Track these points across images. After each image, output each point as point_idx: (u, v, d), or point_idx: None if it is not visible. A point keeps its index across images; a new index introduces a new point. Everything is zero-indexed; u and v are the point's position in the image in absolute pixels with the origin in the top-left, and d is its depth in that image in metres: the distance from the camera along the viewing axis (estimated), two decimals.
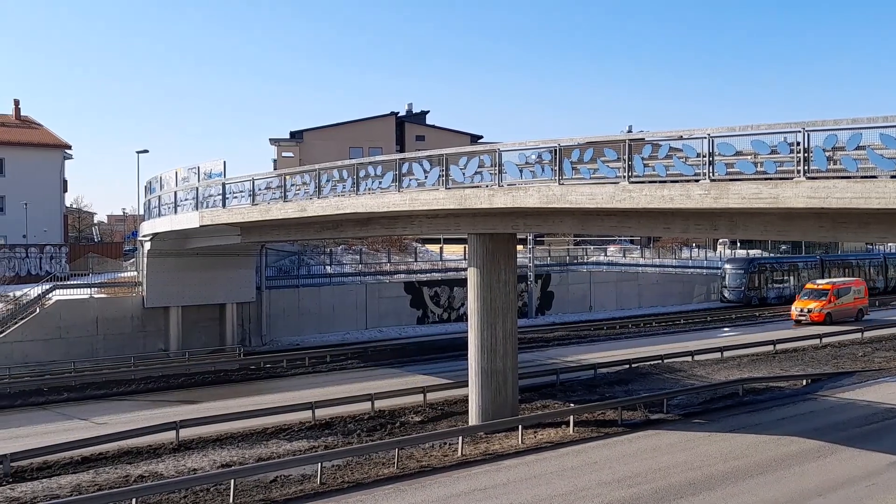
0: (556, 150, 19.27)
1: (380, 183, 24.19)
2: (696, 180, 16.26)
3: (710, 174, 16.01)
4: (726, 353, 37.76)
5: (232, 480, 18.12)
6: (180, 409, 27.16)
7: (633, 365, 34.44)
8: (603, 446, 22.52)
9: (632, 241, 78.41)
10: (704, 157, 16.12)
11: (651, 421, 25.35)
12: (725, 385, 29.82)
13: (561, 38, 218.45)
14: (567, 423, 24.19)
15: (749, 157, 15.56)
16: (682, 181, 16.59)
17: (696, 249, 76.39)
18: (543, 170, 19.63)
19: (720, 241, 77.06)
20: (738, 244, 79.01)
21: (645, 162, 17.36)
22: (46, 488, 18.63)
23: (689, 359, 36.35)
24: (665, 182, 16.90)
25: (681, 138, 16.85)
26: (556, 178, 19.13)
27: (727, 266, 65.21)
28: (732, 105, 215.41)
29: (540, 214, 21.86)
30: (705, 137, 16.13)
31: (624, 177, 17.63)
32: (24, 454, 20.28)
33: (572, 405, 25.85)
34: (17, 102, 68.15)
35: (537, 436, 23.45)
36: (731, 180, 15.73)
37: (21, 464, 20.09)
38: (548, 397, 28.77)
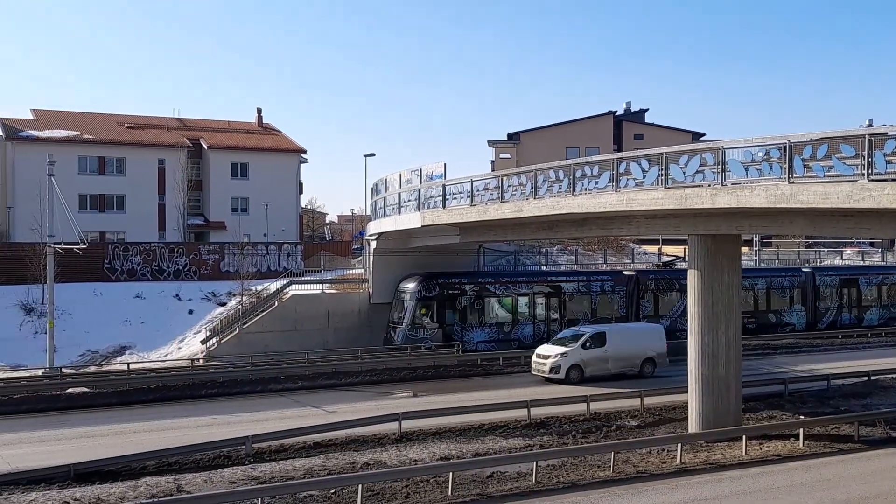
0: (785, 147, 18.21)
1: (596, 183, 23.98)
2: None
3: None
4: None
5: (450, 473, 18.67)
6: (402, 402, 28.34)
7: (872, 377, 31.82)
8: (837, 463, 21.03)
9: (871, 244, 72.31)
10: None
11: (893, 439, 23.34)
12: None
13: (791, 32, 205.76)
14: (796, 436, 22.81)
15: None
16: None
17: None
18: (771, 168, 18.62)
19: None
20: None
21: (888, 158, 16.00)
22: (282, 469, 20.09)
23: None
24: None
25: None
26: (786, 176, 18.08)
27: None
28: None
29: (767, 215, 20.75)
30: None
31: (862, 174, 16.34)
32: (264, 437, 21.99)
33: (802, 417, 24.33)
34: (259, 111, 74.03)
35: (762, 448, 22.29)
36: None
37: (261, 445, 21.80)
38: (774, 408, 27.24)
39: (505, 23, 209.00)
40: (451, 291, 39.03)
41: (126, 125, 65.80)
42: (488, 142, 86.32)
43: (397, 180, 37.46)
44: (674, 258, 51.35)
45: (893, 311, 50.57)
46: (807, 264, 55.75)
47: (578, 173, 24.76)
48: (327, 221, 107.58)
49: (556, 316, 41.00)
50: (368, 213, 48.52)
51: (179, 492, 17.96)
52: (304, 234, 75.18)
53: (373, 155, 53.83)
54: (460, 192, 31.09)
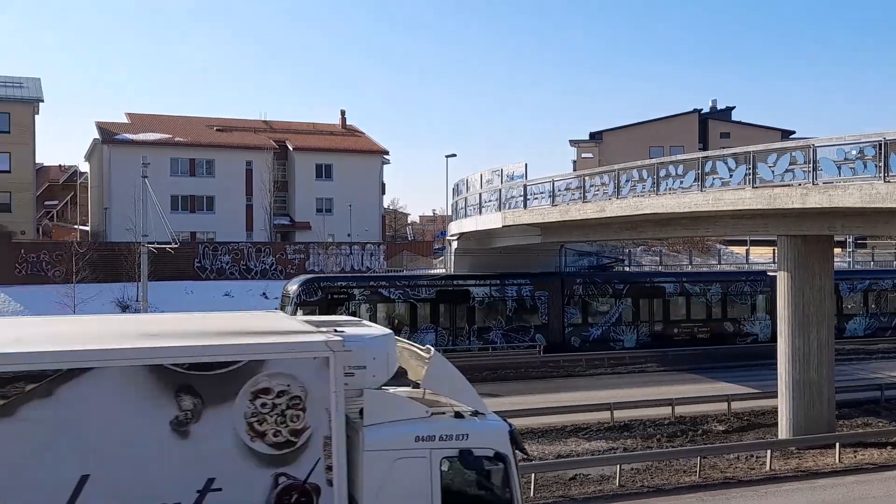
0: (881, 144, 17.58)
1: (681, 182, 23.58)
2: None
3: None
4: None
5: (533, 474, 18.62)
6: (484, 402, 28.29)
7: None
8: None
9: None
10: None
11: None
12: None
13: (890, 24, 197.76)
14: (894, 445, 21.97)
15: None
16: None
17: None
18: (865, 166, 17.99)
19: None
20: None
21: None
22: None
23: None
24: None
25: None
26: (881, 174, 17.44)
27: None
28: None
29: (860, 215, 20.06)
30: None
31: None
32: None
33: None
34: (343, 113, 75.22)
35: (857, 455, 21.56)
36: None
37: None
38: (870, 414, 26.32)
39: (590, 20, 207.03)
40: (335, 296, 35.72)
41: (215, 128, 67.67)
42: (570, 141, 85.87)
43: (478, 180, 37.54)
44: (613, 260, 47.01)
45: None
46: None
47: (662, 172, 24.39)
48: (409, 222, 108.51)
49: (464, 324, 37.53)
50: (449, 213, 48.78)
51: None
52: (387, 235, 75.97)
53: (454, 155, 54.09)
54: (541, 193, 30.97)
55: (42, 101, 61.41)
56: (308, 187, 66.76)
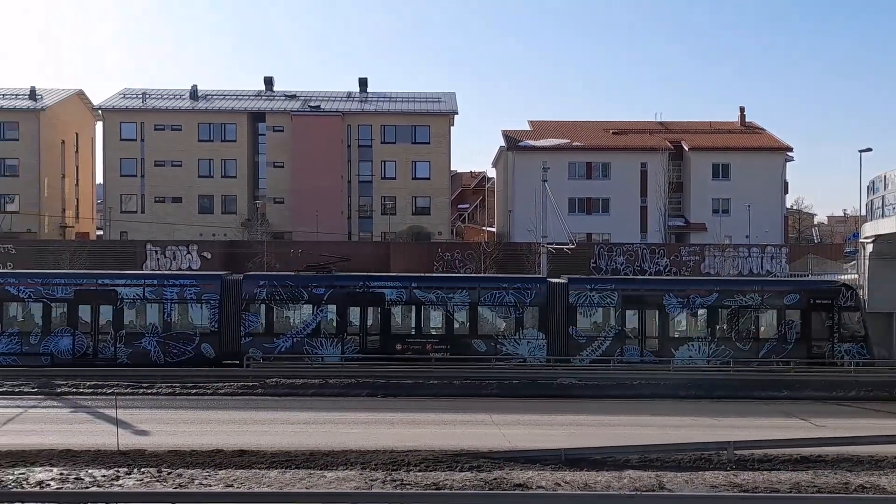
0: None
1: None
2: None
3: None
4: None
5: None
6: None
7: None
8: None
9: None
10: None
11: None
12: None
13: None
14: None
15: None
16: None
17: None
18: None
19: None
20: None
21: None
22: (766, 480, 19.31)
23: None
24: None
25: None
26: None
27: None
28: None
29: None
30: None
31: None
32: (746, 444, 21.41)
33: None
34: (742, 110, 72.43)
35: None
36: None
37: (743, 452, 21.26)
38: None
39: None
40: None
41: (611, 131, 69.02)
42: None
43: None
44: (328, 261, 38.04)
45: None
46: None
47: None
48: (815, 223, 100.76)
49: (110, 330, 32.89)
50: (863, 213, 44.45)
51: (661, 489, 18.32)
52: (789, 236, 71.49)
53: (869, 150, 48.99)
54: None
55: (457, 113, 67.61)
56: (704, 188, 65.31)
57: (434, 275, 36.13)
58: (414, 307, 33.57)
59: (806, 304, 33.89)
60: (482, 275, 38.76)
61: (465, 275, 37.44)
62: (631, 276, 39.52)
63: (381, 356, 32.23)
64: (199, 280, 34.44)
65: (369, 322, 33.46)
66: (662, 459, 20.82)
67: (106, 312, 32.90)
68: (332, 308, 33.28)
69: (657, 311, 33.51)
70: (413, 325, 33.68)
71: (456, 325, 33.57)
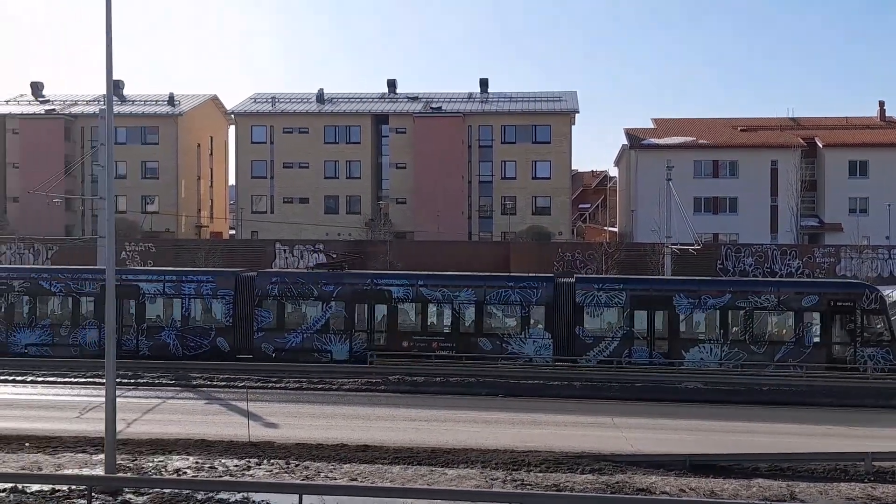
0: None
1: None
2: None
3: None
4: None
5: None
6: None
7: None
8: None
9: None
10: None
11: None
12: None
13: None
14: None
15: None
16: None
17: None
18: None
19: None
20: None
21: None
22: None
23: None
24: None
25: None
26: None
27: None
28: None
29: None
30: None
31: None
32: (886, 455, 20.33)
33: None
34: (881, 104, 68.68)
35: None
36: None
37: (882, 464, 20.19)
38: None
39: None
40: None
41: (739, 128, 66.82)
42: None
43: None
44: (337, 258, 37.84)
45: None
46: None
47: None
48: None
49: (133, 323, 33.88)
50: None
51: (793, 499, 17.62)
52: None
53: None
54: None
55: (578, 112, 66.91)
56: (839, 186, 62.32)
57: (440, 273, 35.58)
58: (420, 305, 33.50)
59: (825, 307, 31.74)
60: (488, 273, 38.04)
61: (472, 273, 36.67)
62: (640, 277, 38.48)
63: (388, 353, 32.18)
64: (215, 276, 35.11)
65: (377, 319, 33.47)
66: (794, 468, 20.03)
67: (129, 307, 33.88)
68: (341, 305, 33.42)
69: (667, 312, 32.23)
70: (419, 322, 33.56)
71: (462, 324, 33.17)
